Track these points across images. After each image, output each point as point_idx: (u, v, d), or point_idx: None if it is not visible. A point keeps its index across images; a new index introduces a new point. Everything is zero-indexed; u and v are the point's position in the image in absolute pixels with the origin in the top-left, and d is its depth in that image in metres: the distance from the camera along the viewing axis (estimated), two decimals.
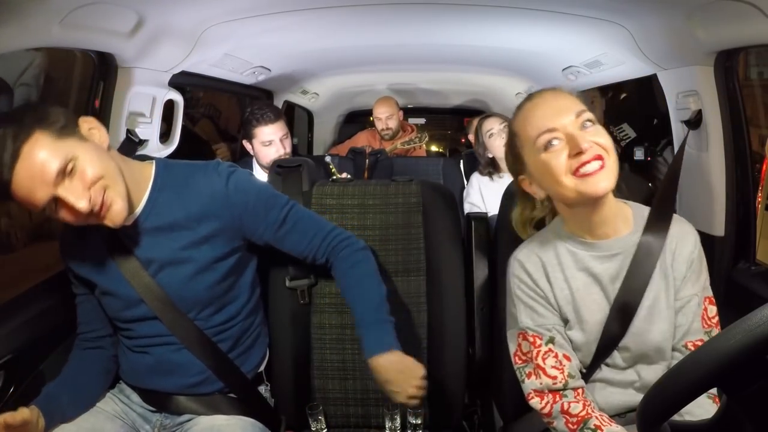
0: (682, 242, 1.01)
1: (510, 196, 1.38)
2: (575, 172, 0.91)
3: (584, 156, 0.90)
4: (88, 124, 1.00)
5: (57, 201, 0.93)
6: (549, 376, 1.00)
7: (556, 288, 1.03)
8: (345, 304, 1.35)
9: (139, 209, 1.09)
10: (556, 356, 1.01)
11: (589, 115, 0.93)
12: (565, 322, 1.04)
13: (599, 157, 0.91)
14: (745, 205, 1.48)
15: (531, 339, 1.02)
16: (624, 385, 1.04)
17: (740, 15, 1.17)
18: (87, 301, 1.17)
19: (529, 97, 1.00)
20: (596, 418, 0.96)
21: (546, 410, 1.01)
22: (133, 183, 1.06)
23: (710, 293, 1.03)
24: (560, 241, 1.04)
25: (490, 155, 2.28)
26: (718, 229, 1.49)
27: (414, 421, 1.27)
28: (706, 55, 1.42)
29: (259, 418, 1.16)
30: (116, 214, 0.98)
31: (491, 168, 2.30)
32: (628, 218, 1.02)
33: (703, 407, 0.94)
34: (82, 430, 1.07)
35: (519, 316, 1.05)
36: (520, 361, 1.06)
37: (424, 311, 1.35)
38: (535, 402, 1.02)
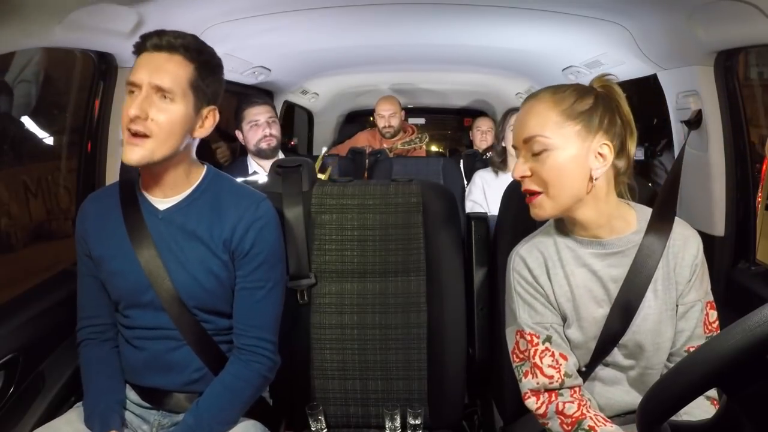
0: (686, 247, 1.00)
1: (510, 197, 1.39)
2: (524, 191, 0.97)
3: (522, 184, 0.96)
4: (211, 113, 1.11)
5: (137, 92, 1.02)
6: (546, 376, 1.00)
7: (556, 285, 1.02)
8: (345, 303, 1.37)
9: (176, 199, 1.12)
10: (552, 355, 1.00)
11: (538, 141, 0.92)
12: (564, 319, 1.03)
13: (529, 191, 0.95)
14: (745, 205, 1.48)
15: (528, 337, 1.02)
16: (624, 385, 1.04)
17: (740, 15, 1.17)
18: (92, 284, 1.15)
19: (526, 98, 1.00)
20: (590, 418, 0.96)
21: (541, 411, 1.00)
22: (183, 173, 1.11)
23: (711, 298, 1.03)
24: (560, 237, 1.04)
25: (504, 144, 2.27)
26: (718, 229, 1.49)
27: (414, 421, 1.27)
28: (706, 55, 1.42)
29: (258, 418, 1.15)
30: (131, 154, 1.02)
31: (504, 157, 2.29)
32: (629, 219, 1.01)
33: (702, 407, 0.95)
34: (78, 431, 1.07)
35: (517, 313, 1.04)
36: (517, 360, 1.05)
37: (424, 311, 1.35)
38: (530, 402, 1.01)
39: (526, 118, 0.95)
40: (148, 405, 1.15)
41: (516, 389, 1.09)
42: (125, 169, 1.20)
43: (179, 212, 1.11)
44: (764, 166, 2.91)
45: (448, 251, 1.37)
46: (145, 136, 1.01)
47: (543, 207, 0.95)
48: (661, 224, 1.00)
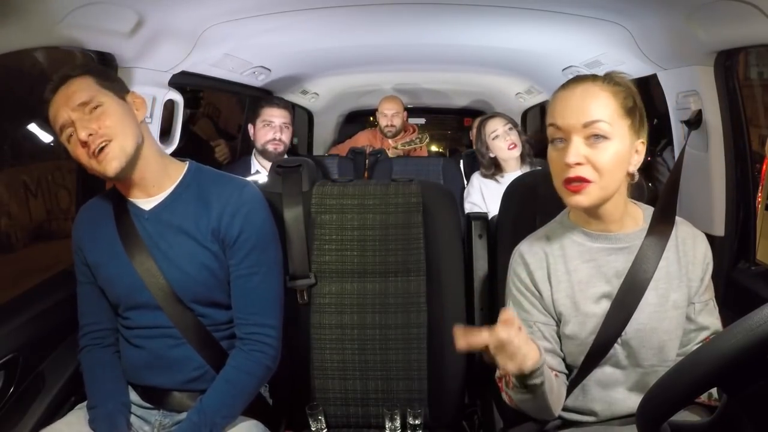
0: (695, 246, 1.02)
1: (510, 196, 1.39)
2: (564, 180, 0.93)
3: (569, 171, 0.91)
4: (135, 97, 1.14)
5: (73, 131, 1.04)
6: None
7: (555, 281, 1.02)
8: (345, 303, 1.36)
9: (160, 198, 1.14)
10: None
11: (600, 128, 0.90)
12: (560, 317, 1.03)
13: (581, 179, 0.91)
14: (745, 205, 1.48)
15: None
16: (626, 387, 1.04)
17: (740, 15, 1.16)
18: (91, 291, 1.17)
19: (569, 81, 0.97)
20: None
21: (506, 398, 1.02)
22: (159, 170, 1.13)
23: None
24: (566, 232, 1.04)
25: (492, 155, 2.27)
26: (718, 229, 1.49)
27: (414, 422, 1.27)
28: (706, 55, 1.42)
29: (258, 418, 1.16)
30: (109, 164, 1.04)
31: (494, 169, 2.28)
32: (637, 217, 1.03)
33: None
34: None
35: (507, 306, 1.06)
36: None
37: (424, 311, 1.35)
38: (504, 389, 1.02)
39: (586, 101, 0.92)
40: (149, 405, 1.15)
41: None
42: None
43: (164, 209, 1.13)
44: (764, 166, 2.91)
45: (448, 251, 1.37)
46: (102, 148, 1.04)
47: (590, 195, 0.92)
48: (663, 223, 1.02)
